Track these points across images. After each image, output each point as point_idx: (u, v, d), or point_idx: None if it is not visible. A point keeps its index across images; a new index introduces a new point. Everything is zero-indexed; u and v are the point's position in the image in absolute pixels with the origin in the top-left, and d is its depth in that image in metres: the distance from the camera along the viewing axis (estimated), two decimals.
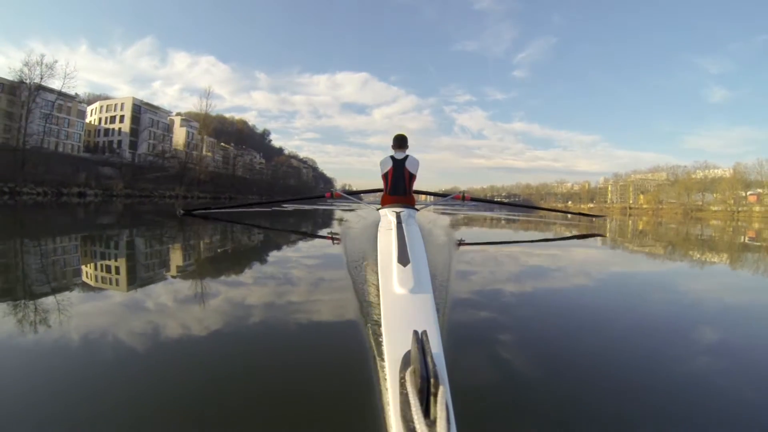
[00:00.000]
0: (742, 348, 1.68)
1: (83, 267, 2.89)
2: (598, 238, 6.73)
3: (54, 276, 2.53)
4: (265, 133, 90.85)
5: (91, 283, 2.42)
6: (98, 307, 1.88)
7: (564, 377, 1.30)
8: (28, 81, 34.93)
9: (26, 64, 34.80)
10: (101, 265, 2.99)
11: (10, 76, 35.52)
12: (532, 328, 1.82)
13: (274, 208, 11.99)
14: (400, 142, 4.02)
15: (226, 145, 63.40)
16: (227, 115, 72.23)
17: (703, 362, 1.49)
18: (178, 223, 6.82)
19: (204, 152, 56.29)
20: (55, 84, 37.28)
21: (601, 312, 2.15)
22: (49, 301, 1.95)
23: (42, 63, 35.05)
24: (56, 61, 36.43)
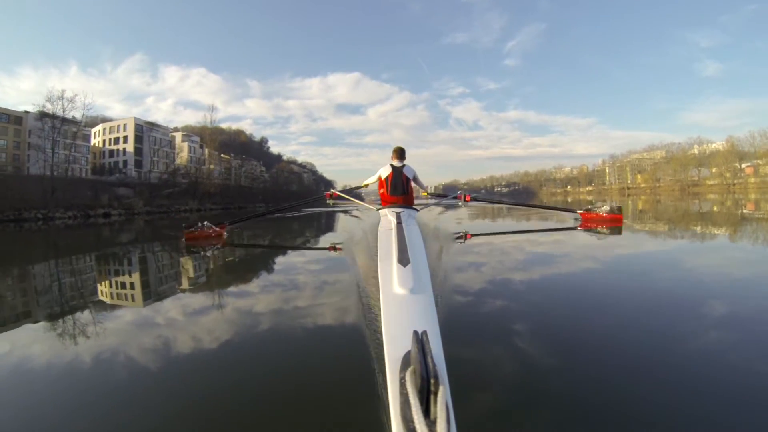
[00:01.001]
0: (750, 321, 1.63)
1: (99, 285, 2.88)
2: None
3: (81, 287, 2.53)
4: (263, 141, 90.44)
5: (108, 299, 2.43)
6: (123, 317, 1.88)
7: (569, 370, 1.26)
8: (51, 113, 37.71)
9: (48, 99, 37.88)
10: (116, 282, 2.98)
11: (35, 110, 38.44)
12: (536, 320, 1.77)
13: (278, 216, 11.95)
14: (400, 153, 4.36)
15: (227, 156, 63.69)
16: (224, 125, 71.97)
17: (713, 337, 1.45)
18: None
19: (211, 166, 57.34)
20: (75, 115, 40.04)
21: (609, 294, 2.11)
22: (85, 309, 1.98)
23: (63, 97, 38.43)
24: (76, 95, 39.75)
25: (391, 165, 4.27)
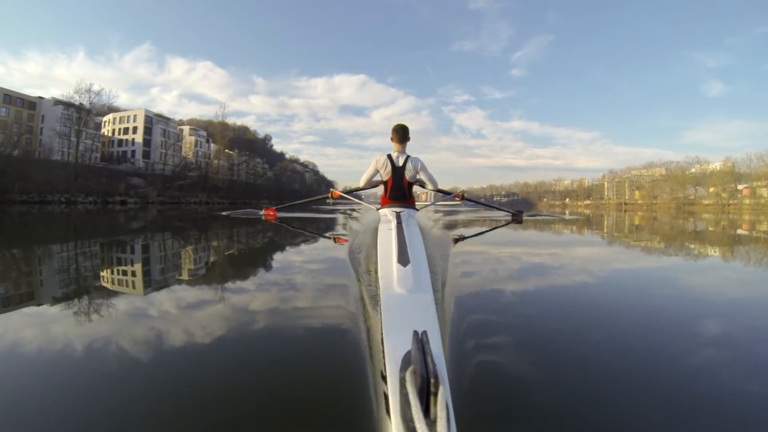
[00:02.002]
0: (746, 342, 1.61)
1: (102, 271, 2.87)
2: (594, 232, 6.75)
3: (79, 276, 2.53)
4: (267, 139, 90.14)
5: (109, 285, 2.42)
6: (125, 304, 1.88)
7: (567, 374, 1.24)
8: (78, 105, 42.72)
9: (77, 92, 41.87)
10: (119, 269, 2.97)
11: (50, 97, 43.68)
12: (533, 325, 1.75)
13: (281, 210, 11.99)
14: (402, 135, 3.54)
15: (230, 152, 64.21)
16: (229, 121, 71.90)
17: (708, 356, 1.43)
18: (198, 225, 6.85)
19: (218, 161, 59.26)
20: (84, 102, 44.07)
21: (603, 308, 2.08)
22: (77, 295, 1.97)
23: (90, 90, 42.92)
24: (102, 89, 45.83)
25: (390, 161, 3.59)
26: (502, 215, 9.67)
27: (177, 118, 64.71)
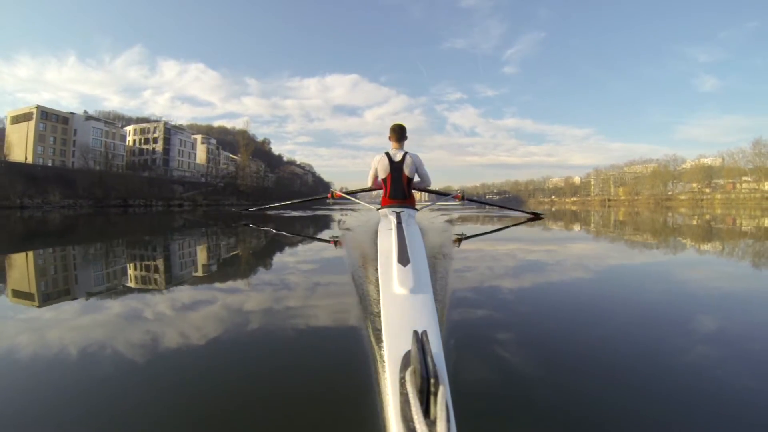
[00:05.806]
0: (742, 338, 1.51)
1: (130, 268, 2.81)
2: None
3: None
4: (266, 142, 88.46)
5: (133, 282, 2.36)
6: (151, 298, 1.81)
7: (565, 373, 1.16)
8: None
9: (141, 119, 55.86)
10: (143, 265, 2.92)
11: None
12: (532, 324, 1.66)
13: (283, 212, 12.00)
14: (399, 134, 3.41)
15: (234, 156, 65.11)
16: (228, 125, 70.91)
17: (703, 352, 1.34)
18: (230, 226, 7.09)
19: (243, 171, 65.46)
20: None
21: (601, 305, 1.98)
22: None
23: (150, 120, 56.72)
24: (162, 117, 56.48)
25: (389, 158, 3.43)
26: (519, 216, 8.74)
27: (170, 120, 65.81)
